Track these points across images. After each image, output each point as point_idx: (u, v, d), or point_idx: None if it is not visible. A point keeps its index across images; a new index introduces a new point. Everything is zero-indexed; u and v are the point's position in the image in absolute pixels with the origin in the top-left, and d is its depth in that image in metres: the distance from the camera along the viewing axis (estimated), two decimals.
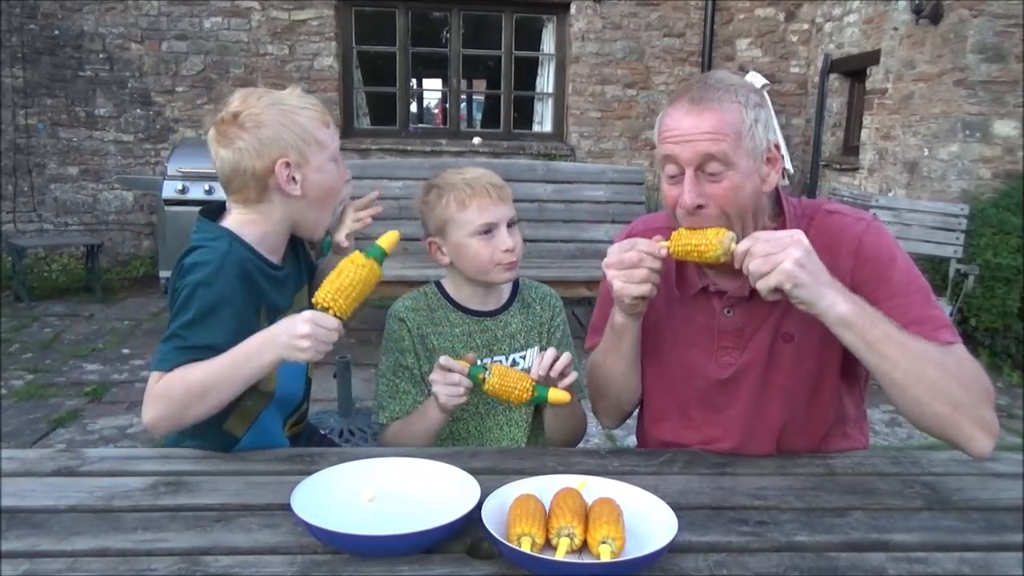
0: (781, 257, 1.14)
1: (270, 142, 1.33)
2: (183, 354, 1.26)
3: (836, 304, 1.16)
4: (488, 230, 1.54)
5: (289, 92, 1.41)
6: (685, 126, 1.26)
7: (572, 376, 1.41)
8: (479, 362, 1.44)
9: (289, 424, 1.55)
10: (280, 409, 1.48)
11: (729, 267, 1.36)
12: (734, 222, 1.28)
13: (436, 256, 1.62)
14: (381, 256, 1.31)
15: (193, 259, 1.32)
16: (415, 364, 1.59)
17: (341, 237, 1.59)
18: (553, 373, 1.39)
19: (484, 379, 1.37)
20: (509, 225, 1.56)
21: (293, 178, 1.36)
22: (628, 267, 1.27)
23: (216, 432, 1.37)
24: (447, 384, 1.40)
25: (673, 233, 1.28)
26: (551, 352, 1.40)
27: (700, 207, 1.27)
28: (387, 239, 1.32)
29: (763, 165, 1.29)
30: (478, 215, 1.53)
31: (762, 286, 1.17)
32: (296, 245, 1.55)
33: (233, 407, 1.34)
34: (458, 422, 1.60)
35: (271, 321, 1.37)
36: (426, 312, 1.62)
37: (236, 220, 1.40)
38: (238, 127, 1.33)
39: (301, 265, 1.56)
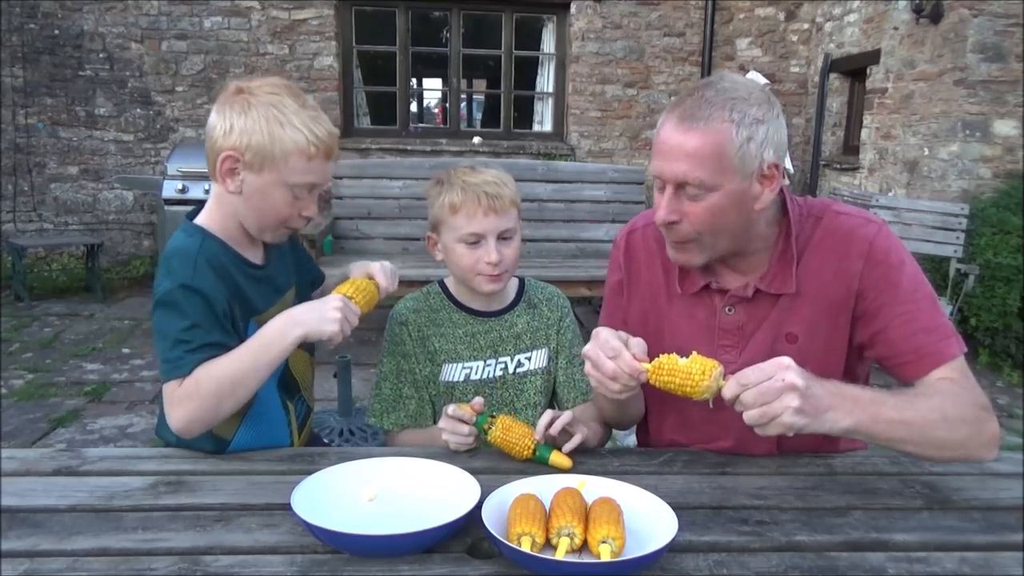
0: (777, 409, 1.08)
1: (239, 131, 1.30)
2: (195, 355, 1.26)
3: (838, 422, 1.13)
4: (475, 240, 1.50)
5: (301, 105, 1.34)
6: (671, 144, 1.24)
7: (577, 439, 1.35)
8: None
9: (300, 428, 1.54)
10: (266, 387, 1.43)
11: (733, 266, 1.37)
12: (706, 240, 1.29)
13: (432, 251, 1.61)
14: (376, 290, 1.44)
15: (165, 266, 1.33)
16: (417, 368, 1.59)
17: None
18: (553, 431, 1.33)
19: (488, 430, 1.34)
20: (503, 237, 1.52)
21: (235, 173, 1.32)
22: (606, 375, 1.22)
23: (203, 437, 1.35)
24: (456, 433, 1.35)
25: (655, 362, 1.19)
26: (548, 415, 1.34)
27: (673, 223, 1.28)
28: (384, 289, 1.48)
29: (755, 183, 1.25)
30: (465, 223, 1.50)
31: (761, 433, 1.12)
32: (284, 248, 1.52)
33: None
34: None
35: (245, 321, 1.37)
36: (428, 313, 1.61)
37: (206, 213, 1.41)
38: (232, 102, 1.33)
39: (289, 269, 1.53)
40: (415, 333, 1.59)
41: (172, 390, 1.27)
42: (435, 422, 1.61)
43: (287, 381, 1.50)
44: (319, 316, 1.28)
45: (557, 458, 1.31)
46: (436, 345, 1.58)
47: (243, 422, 1.41)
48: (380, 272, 1.49)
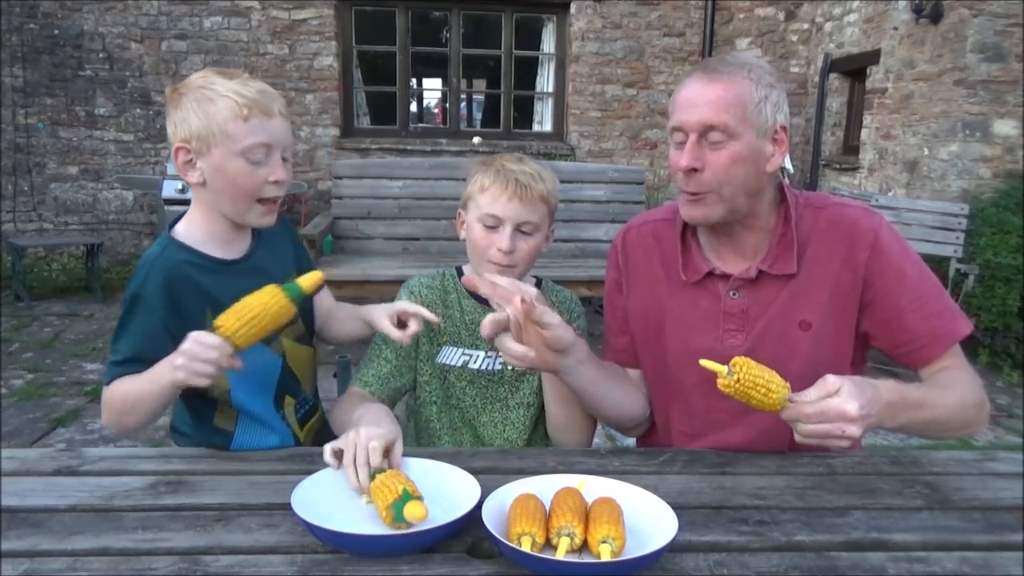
0: (830, 443, 1.13)
1: (179, 123, 1.32)
2: (116, 368, 1.31)
3: (883, 426, 1.22)
4: (493, 223, 1.49)
5: (228, 78, 1.33)
6: (694, 94, 1.31)
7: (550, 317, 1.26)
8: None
9: (303, 423, 1.54)
10: (260, 388, 1.44)
11: (735, 249, 1.41)
12: (725, 191, 1.32)
13: (459, 228, 1.60)
14: (297, 294, 1.23)
15: (137, 266, 1.37)
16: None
17: (381, 318, 1.46)
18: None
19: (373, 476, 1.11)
20: (523, 230, 1.49)
21: (193, 164, 1.33)
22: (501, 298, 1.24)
23: (210, 429, 1.40)
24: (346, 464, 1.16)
25: (741, 359, 1.14)
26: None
27: (695, 170, 1.31)
28: (308, 279, 1.26)
29: (767, 143, 1.32)
30: (488, 203, 1.49)
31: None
32: (282, 240, 1.52)
33: (212, 404, 1.40)
34: (453, 410, 1.60)
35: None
36: (439, 293, 1.61)
37: (185, 217, 1.42)
38: (170, 102, 1.35)
39: (287, 259, 1.51)
40: (422, 306, 1.57)
41: (103, 392, 1.34)
42: (414, 399, 1.63)
43: (285, 379, 1.48)
44: (172, 363, 1.19)
45: (412, 508, 1.04)
46: (441, 325, 1.58)
47: (239, 421, 1.42)
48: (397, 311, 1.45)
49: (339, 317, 1.61)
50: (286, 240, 1.54)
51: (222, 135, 1.30)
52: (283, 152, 1.36)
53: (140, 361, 1.29)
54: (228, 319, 1.19)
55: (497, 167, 1.51)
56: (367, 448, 1.14)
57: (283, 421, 1.49)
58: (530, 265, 1.55)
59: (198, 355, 1.17)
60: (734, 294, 1.41)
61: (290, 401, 1.51)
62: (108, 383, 1.32)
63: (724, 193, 1.32)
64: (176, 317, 1.32)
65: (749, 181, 1.33)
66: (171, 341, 1.26)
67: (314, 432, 1.57)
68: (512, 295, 1.23)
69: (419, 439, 1.64)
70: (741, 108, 1.28)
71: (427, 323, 1.57)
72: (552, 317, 1.26)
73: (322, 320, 1.61)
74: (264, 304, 1.20)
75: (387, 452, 1.18)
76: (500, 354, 1.35)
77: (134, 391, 1.29)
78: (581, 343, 1.36)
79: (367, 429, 1.18)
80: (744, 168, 1.31)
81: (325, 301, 1.63)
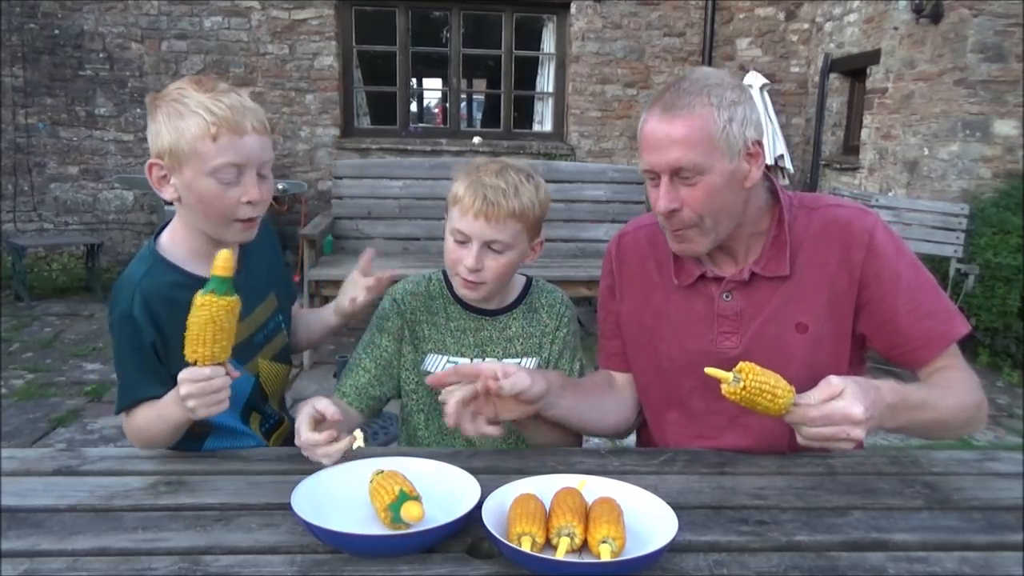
0: (831, 446, 1.13)
1: (153, 137, 1.29)
2: (126, 396, 1.34)
3: (883, 427, 1.21)
4: (461, 239, 1.44)
5: (203, 91, 1.27)
6: (658, 135, 1.28)
7: (491, 430, 1.30)
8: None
9: (269, 433, 1.54)
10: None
11: (727, 253, 1.40)
12: (708, 223, 1.31)
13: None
14: (220, 285, 1.16)
15: (114, 291, 1.36)
16: (391, 346, 1.55)
17: (344, 302, 1.54)
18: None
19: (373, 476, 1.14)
20: (492, 248, 1.43)
21: (167, 179, 1.30)
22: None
23: (185, 434, 1.37)
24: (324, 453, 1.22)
25: (747, 365, 1.12)
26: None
27: (674, 211, 1.30)
28: (217, 264, 1.16)
29: (742, 162, 1.29)
30: (458, 217, 1.43)
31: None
32: (262, 254, 1.49)
33: None
34: (441, 417, 1.58)
35: None
36: (424, 299, 1.57)
37: (169, 230, 1.40)
38: (149, 111, 1.31)
39: (264, 276, 1.49)
40: (407, 315, 1.56)
41: (123, 420, 1.39)
42: (402, 407, 1.62)
43: (254, 397, 1.48)
44: (184, 405, 1.20)
45: (408, 509, 1.05)
46: (424, 332, 1.55)
47: (212, 431, 1.42)
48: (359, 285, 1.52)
49: (302, 323, 1.64)
50: (266, 248, 1.51)
51: (192, 153, 1.25)
52: (260, 169, 1.31)
53: (147, 393, 1.32)
54: (195, 348, 1.17)
55: (473, 177, 1.43)
56: (303, 440, 1.21)
57: (251, 434, 1.50)
58: (504, 279, 1.49)
59: (206, 391, 1.18)
60: (727, 296, 1.40)
61: (256, 417, 1.51)
62: (121, 411, 1.36)
63: (706, 225, 1.31)
64: (161, 338, 1.32)
65: (730, 206, 1.31)
66: (160, 360, 1.32)
67: (280, 442, 1.55)
68: (477, 373, 1.26)
69: (411, 446, 1.63)
70: (708, 141, 1.25)
71: (412, 330, 1.56)
72: (521, 381, 1.25)
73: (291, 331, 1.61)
74: (207, 318, 1.15)
75: (318, 422, 1.24)
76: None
77: (148, 427, 1.33)
78: (552, 377, 1.36)
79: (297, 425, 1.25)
80: (722, 196, 1.29)
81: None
